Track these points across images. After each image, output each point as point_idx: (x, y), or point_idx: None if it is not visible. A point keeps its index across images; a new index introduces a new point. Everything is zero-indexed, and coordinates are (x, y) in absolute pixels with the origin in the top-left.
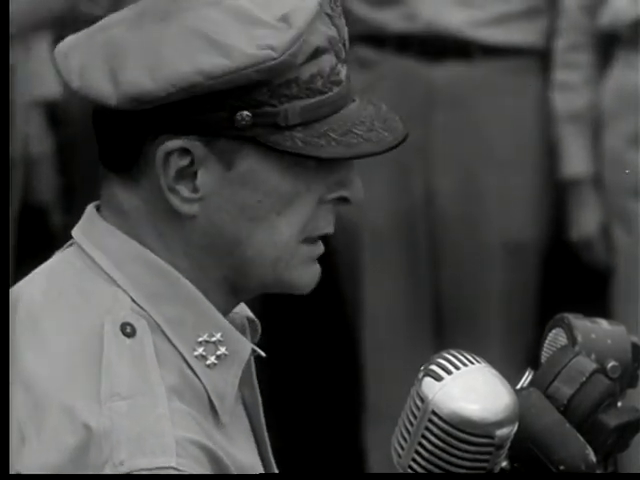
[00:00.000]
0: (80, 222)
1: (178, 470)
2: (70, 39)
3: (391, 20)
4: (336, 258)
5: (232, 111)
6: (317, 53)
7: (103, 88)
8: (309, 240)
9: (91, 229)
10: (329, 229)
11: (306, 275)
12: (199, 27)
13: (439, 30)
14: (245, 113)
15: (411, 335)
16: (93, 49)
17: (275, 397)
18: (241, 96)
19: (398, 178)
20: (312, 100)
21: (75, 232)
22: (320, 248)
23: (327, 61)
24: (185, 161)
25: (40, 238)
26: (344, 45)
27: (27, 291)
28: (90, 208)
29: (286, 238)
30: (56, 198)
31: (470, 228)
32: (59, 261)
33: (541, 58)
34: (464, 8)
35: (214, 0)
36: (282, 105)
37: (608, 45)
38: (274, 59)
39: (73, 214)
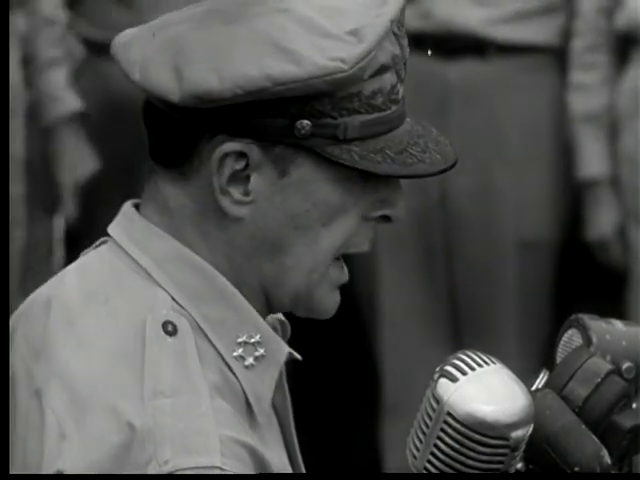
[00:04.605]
0: (117, 219)
1: (223, 470)
2: (129, 32)
3: (406, 18)
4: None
5: (293, 119)
6: (381, 70)
7: (166, 83)
8: (339, 258)
9: (130, 227)
10: (365, 247)
11: (329, 298)
12: (268, 33)
13: (454, 28)
14: (305, 122)
15: (427, 334)
16: (156, 44)
17: (291, 398)
18: (303, 105)
19: None
20: (371, 116)
21: (112, 229)
22: (345, 276)
23: (389, 79)
24: (240, 164)
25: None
26: (404, 65)
27: (61, 289)
28: (127, 206)
29: (326, 250)
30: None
31: (485, 227)
32: (93, 259)
33: (557, 56)
34: (479, 6)
35: (283, 8)
36: (342, 118)
37: (625, 46)
38: (344, 71)
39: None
